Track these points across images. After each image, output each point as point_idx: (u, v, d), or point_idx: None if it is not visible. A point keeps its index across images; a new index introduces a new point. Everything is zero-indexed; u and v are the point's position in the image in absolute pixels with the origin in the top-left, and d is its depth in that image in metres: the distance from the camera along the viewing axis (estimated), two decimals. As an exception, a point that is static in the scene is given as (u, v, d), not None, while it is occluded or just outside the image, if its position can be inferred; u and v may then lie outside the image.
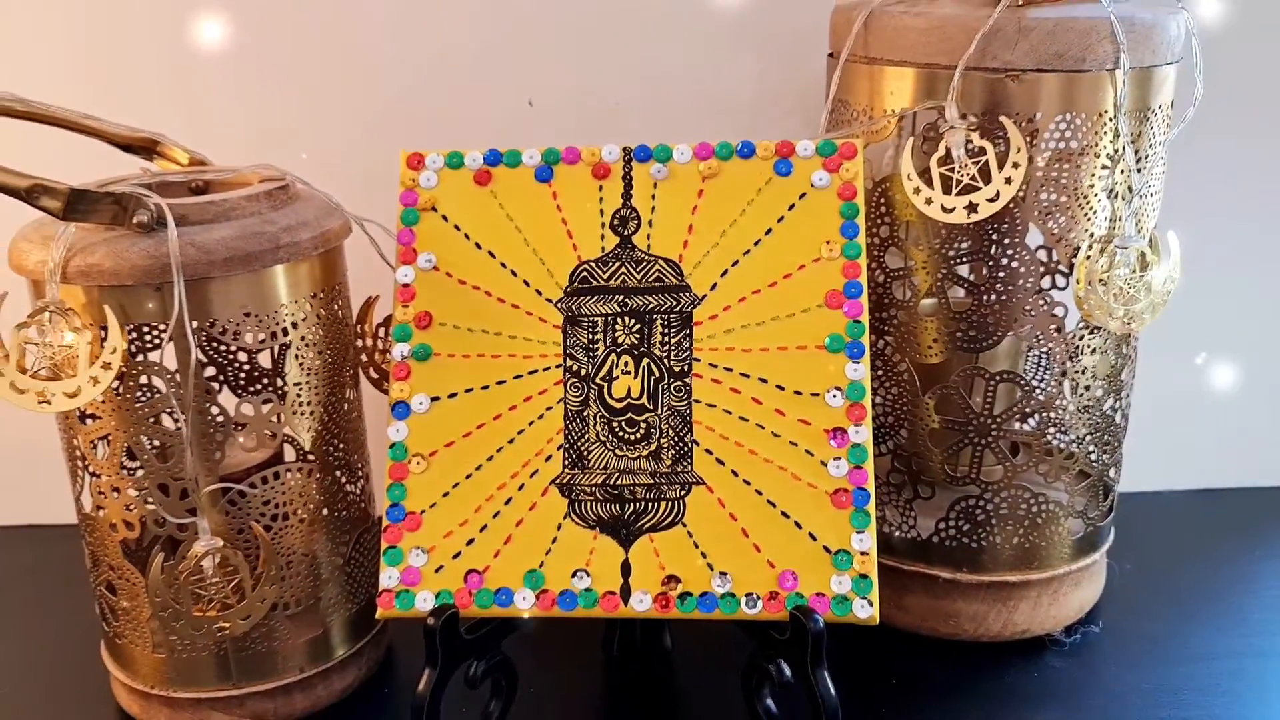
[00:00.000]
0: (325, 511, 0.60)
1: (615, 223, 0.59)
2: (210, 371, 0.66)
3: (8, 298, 0.54)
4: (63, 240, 0.52)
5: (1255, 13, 0.75)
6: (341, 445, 0.61)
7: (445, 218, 0.60)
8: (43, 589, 0.77)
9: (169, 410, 0.55)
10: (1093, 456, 0.67)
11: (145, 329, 0.62)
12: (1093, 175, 0.60)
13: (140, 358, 0.59)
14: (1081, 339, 0.63)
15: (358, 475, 0.63)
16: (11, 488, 0.84)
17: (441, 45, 0.77)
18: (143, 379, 0.56)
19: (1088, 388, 0.65)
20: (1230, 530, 0.81)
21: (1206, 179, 0.78)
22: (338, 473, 0.61)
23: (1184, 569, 0.76)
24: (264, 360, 0.67)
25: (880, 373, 0.66)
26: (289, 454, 0.62)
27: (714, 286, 0.58)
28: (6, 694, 0.66)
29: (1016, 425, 0.66)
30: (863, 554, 0.54)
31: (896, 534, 0.67)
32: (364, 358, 0.64)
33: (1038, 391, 0.64)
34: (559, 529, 0.56)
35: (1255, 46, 0.76)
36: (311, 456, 0.59)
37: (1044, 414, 0.65)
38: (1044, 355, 0.65)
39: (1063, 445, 0.67)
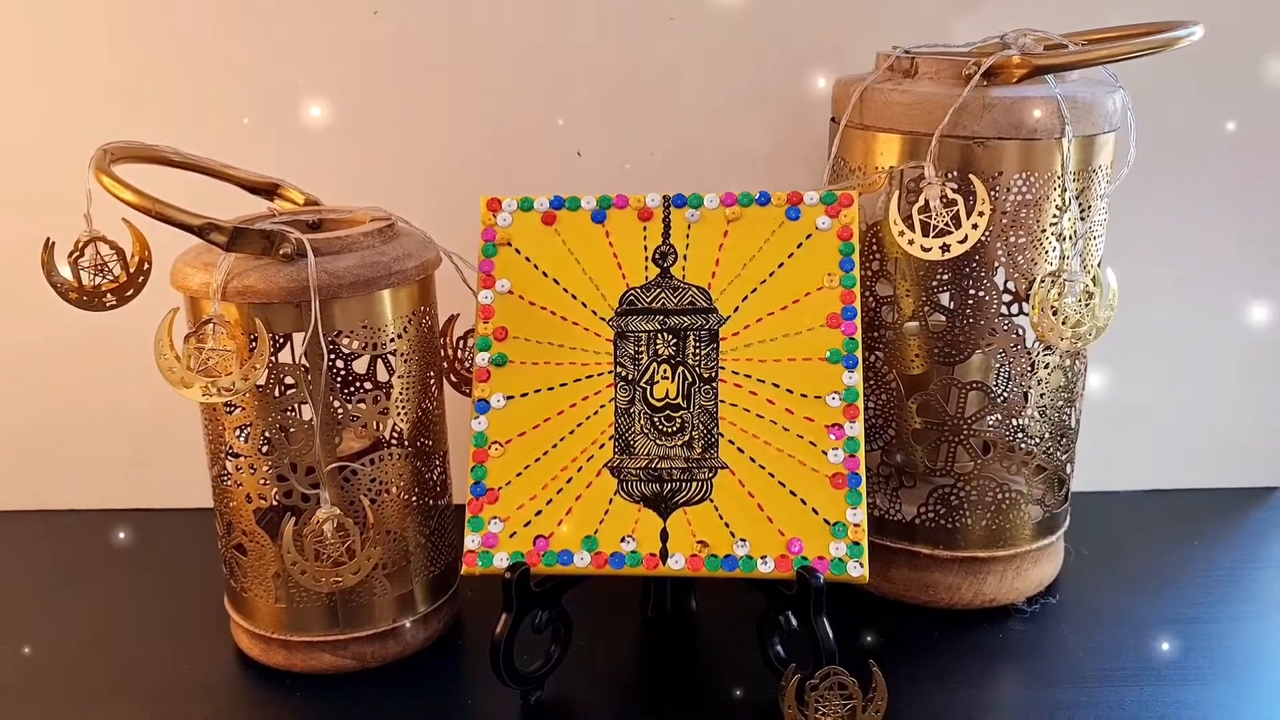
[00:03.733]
0: (416, 489, 0.70)
1: (656, 257, 0.68)
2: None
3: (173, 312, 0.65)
4: (223, 267, 0.62)
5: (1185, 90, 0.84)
6: (429, 437, 0.71)
7: (518, 251, 0.69)
8: (155, 558, 0.86)
9: (300, 403, 0.65)
10: (1049, 453, 0.75)
11: (283, 338, 0.71)
12: (1045, 222, 0.68)
13: (277, 360, 0.67)
14: (1039, 355, 0.71)
15: (438, 464, 0.73)
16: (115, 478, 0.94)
17: (512, 111, 0.86)
18: (279, 378, 0.66)
19: (1043, 395, 0.72)
20: (1172, 524, 0.88)
21: (1139, 223, 0.85)
22: (425, 459, 0.71)
23: (1130, 554, 0.84)
24: (359, 366, 0.77)
25: (871, 382, 0.74)
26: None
27: (736, 309, 0.67)
28: (143, 640, 0.75)
29: (985, 426, 0.73)
30: (855, 525, 0.62)
31: (885, 517, 0.75)
32: (445, 365, 0.74)
33: (1002, 398, 0.72)
34: (610, 503, 0.64)
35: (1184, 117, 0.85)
36: (407, 445, 0.69)
37: (1008, 417, 0.73)
38: (1008, 368, 0.71)
39: (1024, 443, 0.74)
